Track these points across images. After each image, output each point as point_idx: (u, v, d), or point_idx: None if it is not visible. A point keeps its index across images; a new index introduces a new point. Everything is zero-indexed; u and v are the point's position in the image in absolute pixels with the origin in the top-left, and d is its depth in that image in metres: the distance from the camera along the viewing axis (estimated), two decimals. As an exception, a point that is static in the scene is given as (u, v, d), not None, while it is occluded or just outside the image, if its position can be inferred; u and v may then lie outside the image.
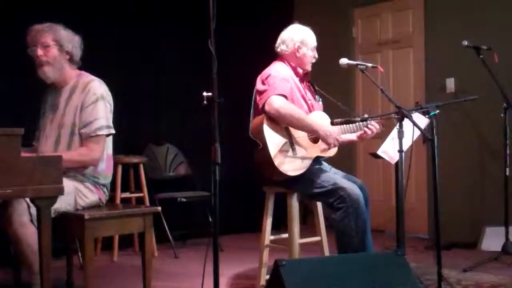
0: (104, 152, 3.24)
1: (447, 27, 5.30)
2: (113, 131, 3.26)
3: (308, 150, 3.36)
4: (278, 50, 3.56)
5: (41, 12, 4.23)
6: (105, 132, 3.19)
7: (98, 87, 3.22)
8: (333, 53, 4.21)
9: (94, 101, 3.17)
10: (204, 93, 2.62)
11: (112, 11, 5.08)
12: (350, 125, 3.50)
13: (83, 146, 3.17)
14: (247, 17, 6.05)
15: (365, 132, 3.54)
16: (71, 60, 3.26)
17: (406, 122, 3.08)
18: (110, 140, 3.31)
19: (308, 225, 4.93)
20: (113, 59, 4.96)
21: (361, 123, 3.50)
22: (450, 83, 5.29)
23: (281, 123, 3.28)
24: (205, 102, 2.62)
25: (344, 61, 3.35)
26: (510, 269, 4.08)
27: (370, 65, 3.34)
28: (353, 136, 3.64)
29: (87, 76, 3.29)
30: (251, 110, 3.46)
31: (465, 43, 4.32)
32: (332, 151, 3.47)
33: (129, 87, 5.12)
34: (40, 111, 3.38)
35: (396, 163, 3.35)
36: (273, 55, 3.59)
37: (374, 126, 3.52)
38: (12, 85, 4.37)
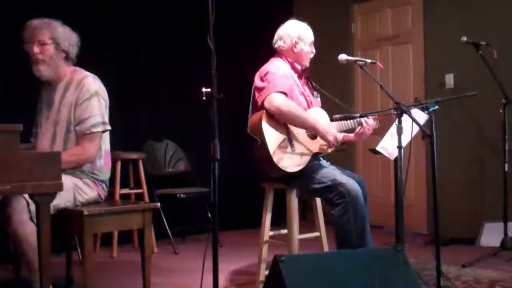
0: (101, 148, 3.24)
1: (446, 23, 5.30)
2: (108, 127, 3.25)
3: (307, 146, 3.36)
4: (276, 46, 3.56)
5: (40, 7, 4.20)
6: (100, 129, 3.19)
7: (92, 83, 3.21)
8: (332, 49, 4.20)
9: (88, 98, 3.16)
10: (203, 89, 2.62)
11: (112, 8, 5.07)
12: (349, 121, 3.51)
13: (77, 145, 3.16)
14: (246, 14, 6.05)
15: (361, 128, 3.54)
16: (66, 57, 3.25)
17: (405, 118, 3.08)
18: (107, 136, 3.30)
19: (307, 221, 4.94)
20: (112, 55, 4.96)
21: (358, 119, 3.50)
22: (449, 79, 5.29)
23: (281, 120, 3.28)
24: (204, 98, 2.62)
25: (343, 57, 3.34)
26: (509, 265, 4.09)
27: (369, 61, 3.34)
28: (351, 135, 3.64)
29: (81, 73, 3.28)
30: (250, 107, 3.46)
31: (464, 39, 4.32)
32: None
33: (128, 83, 5.12)
34: (37, 107, 3.37)
35: (395, 159, 3.35)
36: (272, 51, 3.58)
37: (367, 122, 3.51)
38: (10, 80, 4.36)
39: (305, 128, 3.34)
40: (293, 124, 3.30)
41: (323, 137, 3.32)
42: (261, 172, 3.37)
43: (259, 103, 3.31)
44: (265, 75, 3.34)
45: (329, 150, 3.47)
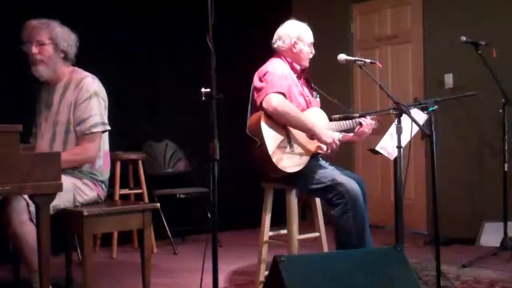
0: (100, 148, 3.23)
1: (445, 23, 5.30)
2: (108, 128, 3.25)
3: (306, 147, 3.35)
4: (275, 46, 3.55)
5: (39, 6, 4.21)
6: (100, 129, 3.19)
7: (91, 84, 3.21)
8: (332, 49, 4.21)
9: (87, 98, 3.16)
10: (203, 89, 2.62)
11: (112, 8, 5.07)
12: (348, 121, 3.51)
13: (78, 145, 3.16)
14: (245, 14, 6.05)
15: (361, 127, 3.54)
16: (65, 58, 3.25)
17: (405, 118, 3.09)
18: (106, 136, 3.30)
19: (307, 221, 4.94)
20: (112, 55, 4.96)
21: (357, 119, 3.51)
22: (449, 79, 5.29)
23: (279, 121, 3.28)
24: (203, 98, 2.62)
25: (342, 57, 3.34)
26: (509, 265, 4.09)
27: (368, 61, 3.35)
28: (350, 135, 3.64)
29: (80, 73, 3.28)
30: (249, 107, 3.46)
31: (464, 38, 4.32)
32: (330, 147, 3.47)
33: (128, 83, 5.13)
34: (36, 108, 3.37)
35: (395, 159, 3.35)
36: (271, 52, 3.58)
37: (365, 121, 3.52)
38: (10, 80, 4.36)
39: (302, 130, 3.33)
40: (290, 125, 3.29)
41: (320, 140, 3.31)
42: (260, 173, 3.37)
43: (258, 103, 3.30)
44: (264, 75, 3.34)
45: (329, 152, 3.46)
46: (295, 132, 3.32)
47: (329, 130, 3.40)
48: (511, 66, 4.72)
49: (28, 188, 2.53)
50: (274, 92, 3.24)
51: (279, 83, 3.28)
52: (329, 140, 3.31)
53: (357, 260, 2.56)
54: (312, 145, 3.39)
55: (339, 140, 3.54)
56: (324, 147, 3.37)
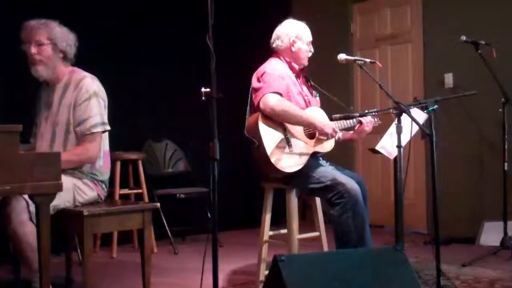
0: (101, 149, 3.23)
1: (445, 22, 5.30)
2: (108, 128, 3.25)
3: (305, 146, 3.35)
4: (274, 45, 3.55)
5: (39, 7, 4.21)
6: (100, 129, 3.19)
7: (91, 84, 3.21)
8: (332, 49, 4.21)
9: (87, 99, 3.16)
10: (203, 89, 2.62)
11: (112, 8, 5.08)
12: (349, 120, 3.51)
13: (78, 145, 3.16)
14: (245, 14, 6.05)
15: (360, 125, 3.54)
16: (64, 58, 3.25)
17: (405, 118, 3.09)
18: (106, 136, 3.30)
19: (307, 220, 4.94)
20: (112, 55, 4.96)
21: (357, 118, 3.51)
22: (449, 78, 5.29)
23: (277, 120, 3.27)
24: (203, 98, 2.62)
25: (342, 56, 3.34)
26: (509, 264, 4.09)
27: (368, 60, 3.34)
28: (350, 133, 3.64)
29: (80, 73, 3.28)
30: (247, 108, 3.45)
31: (464, 38, 4.32)
32: (329, 146, 3.47)
33: (128, 83, 5.12)
34: (36, 108, 3.37)
35: (395, 159, 3.35)
36: (271, 51, 3.58)
37: (365, 119, 3.52)
38: (10, 81, 4.36)
39: (302, 125, 3.33)
40: (289, 122, 3.29)
41: (321, 131, 3.32)
42: (260, 173, 3.37)
43: (255, 104, 3.30)
44: (262, 75, 3.33)
45: (328, 149, 3.46)
46: (294, 131, 3.32)
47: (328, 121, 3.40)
48: (511, 66, 4.73)
49: (28, 188, 2.53)
50: (271, 93, 3.24)
51: (276, 83, 3.27)
52: (329, 131, 3.32)
53: (357, 260, 2.56)
54: (312, 144, 3.39)
55: (339, 139, 3.55)
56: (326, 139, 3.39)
